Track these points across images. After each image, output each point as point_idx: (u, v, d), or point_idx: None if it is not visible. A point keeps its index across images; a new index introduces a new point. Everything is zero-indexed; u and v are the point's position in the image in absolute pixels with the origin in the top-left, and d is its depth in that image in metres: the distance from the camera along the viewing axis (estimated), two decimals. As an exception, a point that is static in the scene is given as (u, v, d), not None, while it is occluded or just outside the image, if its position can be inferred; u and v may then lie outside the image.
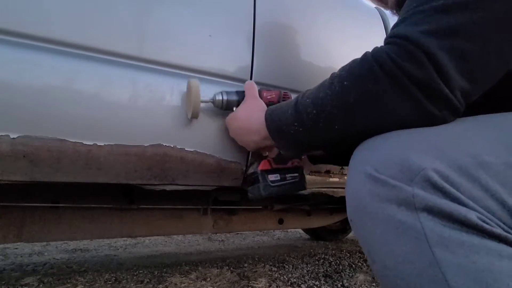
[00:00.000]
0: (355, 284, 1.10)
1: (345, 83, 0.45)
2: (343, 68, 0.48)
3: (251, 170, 0.71)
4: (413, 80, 0.40)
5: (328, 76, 0.51)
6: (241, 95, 0.71)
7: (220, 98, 0.70)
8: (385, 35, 1.10)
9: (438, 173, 0.34)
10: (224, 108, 0.71)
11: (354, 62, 0.46)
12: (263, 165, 0.69)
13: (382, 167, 0.38)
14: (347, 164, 0.46)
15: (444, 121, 0.42)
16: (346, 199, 0.44)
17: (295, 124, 0.51)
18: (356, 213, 0.41)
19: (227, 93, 0.71)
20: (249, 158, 0.79)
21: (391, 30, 0.45)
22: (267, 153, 0.73)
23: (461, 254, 0.32)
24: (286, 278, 1.11)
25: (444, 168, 0.35)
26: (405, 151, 0.38)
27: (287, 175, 0.71)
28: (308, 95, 0.51)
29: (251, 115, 0.64)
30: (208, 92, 0.72)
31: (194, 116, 0.67)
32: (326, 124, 0.47)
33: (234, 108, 0.70)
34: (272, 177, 0.69)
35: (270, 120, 0.57)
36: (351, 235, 2.30)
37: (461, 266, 0.32)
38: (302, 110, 0.50)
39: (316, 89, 0.50)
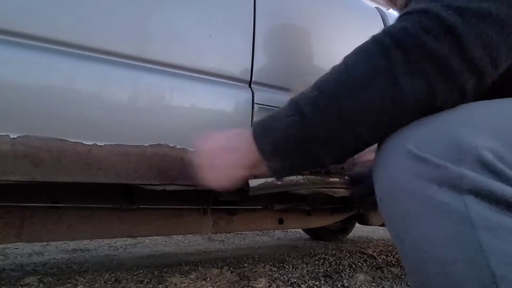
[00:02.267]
0: (355, 284, 1.10)
1: (351, 60, 0.41)
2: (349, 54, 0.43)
3: (358, 169, 0.66)
4: (431, 55, 0.36)
5: None
6: None
7: None
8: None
9: (493, 153, 0.32)
10: None
11: (363, 43, 0.42)
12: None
13: (426, 144, 0.35)
14: None
15: (453, 105, 0.39)
16: (377, 177, 0.40)
17: (291, 113, 0.42)
18: (388, 191, 0.38)
19: None
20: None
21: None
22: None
23: (510, 240, 0.30)
24: (286, 278, 1.11)
25: (499, 148, 0.32)
26: (454, 128, 0.35)
27: None
28: (307, 88, 0.44)
29: (228, 135, 0.51)
30: (208, 92, 0.72)
31: None
32: (327, 106, 0.40)
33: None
34: None
35: (258, 123, 0.47)
36: (351, 235, 2.30)
37: (508, 252, 0.30)
38: (299, 98, 0.43)
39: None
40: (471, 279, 0.31)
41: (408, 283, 1.15)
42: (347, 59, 0.42)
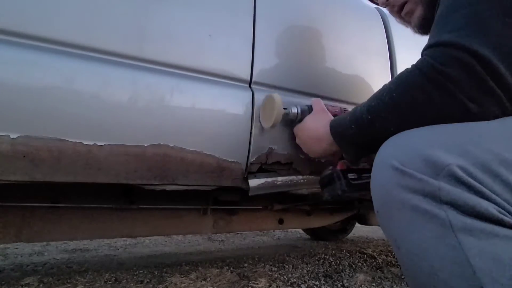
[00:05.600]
0: (355, 284, 1.10)
1: (393, 94, 0.51)
2: (391, 82, 0.53)
3: (327, 172, 0.75)
4: (457, 83, 0.43)
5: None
6: (310, 108, 0.79)
7: (295, 111, 0.79)
8: (385, 35, 1.10)
9: (462, 169, 0.38)
10: (298, 120, 0.79)
11: (400, 74, 0.52)
12: (340, 166, 0.73)
13: (408, 161, 0.41)
14: None
15: (486, 119, 0.45)
16: (372, 191, 0.47)
17: (352, 127, 0.59)
18: (383, 203, 0.45)
19: (300, 106, 0.80)
20: (249, 158, 0.79)
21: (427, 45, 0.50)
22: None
23: (483, 238, 0.35)
24: (286, 278, 1.11)
25: (468, 165, 0.38)
26: (429, 148, 0.41)
27: (362, 175, 0.74)
28: (363, 104, 0.58)
29: (319, 125, 0.71)
30: (208, 92, 0.72)
31: (274, 125, 0.75)
32: (380, 126, 0.53)
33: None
34: (350, 176, 0.73)
35: (333, 127, 0.66)
36: (351, 235, 2.30)
37: (483, 248, 0.35)
38: (358, 115, 0.57)
39: (369, 99, 0.57)
40: (454, 274, 0.36)
41: (408, 283, 1.15)
42: (391, 90, 0.53)
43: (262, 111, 0.80)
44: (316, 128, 0.71)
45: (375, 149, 0.50)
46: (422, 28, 0.68)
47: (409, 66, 0.51)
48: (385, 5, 0.73)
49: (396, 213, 0.42)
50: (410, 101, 0.49)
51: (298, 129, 0.78)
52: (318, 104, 0.78)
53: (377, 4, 0.75)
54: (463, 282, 0.35)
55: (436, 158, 0.39)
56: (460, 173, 0.38)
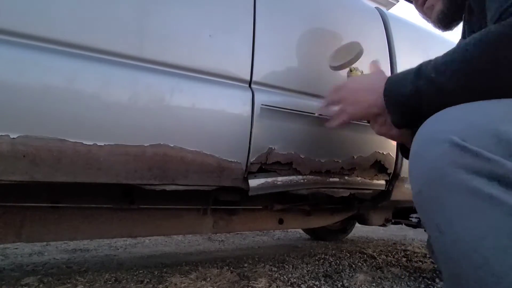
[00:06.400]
0: (355, 284, 1.10)
1: (469, 51, 0.44)
2: (467, 43, 0.46)
3: None
4: None
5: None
6: None
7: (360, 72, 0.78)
8: (385, 35, 1.10)
9: None
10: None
11: (475, 36, 0.45)
12: None
13: (473, 137, 0.36)
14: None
15: None
16: (415, 168, 0.42)
17: (409, 85, 0.51)
18: (430, 182, 0.39)
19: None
20: (249, 158, 0.79)
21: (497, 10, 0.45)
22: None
23: None
24: (286, 278, 1.11)
25: None
26: (501, 123, 0.36)
27: None
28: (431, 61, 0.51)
29: (374, 78, 0.65)
30: (208, 92, 0.72)
31: (341, 68, 0.77)
32: (450, 76, 0.45)
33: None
34: None
35: (389, 82, 0.59)
36: (351, 235, 2.30)
37: None
38: (424, 66, 0.51)
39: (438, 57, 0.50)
40: None
41: (408, 283, 1.15)
42: (470, 44, 0.46)
43: (337, 51, 0.82)
44: (371, 79, 0.66)
45: (424, 118, 0.44)
46: (441, 22, 0.69)
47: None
48: None
49: (448, 195, 0.37)
50: (490, 59, 0.42)
51: (351, 80, 0.75)
52: (375, 66, 0.75)
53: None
54: None
55: (511, 135, 0.34)
56: None
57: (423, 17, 0.75)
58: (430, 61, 0.51)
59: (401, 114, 0.56)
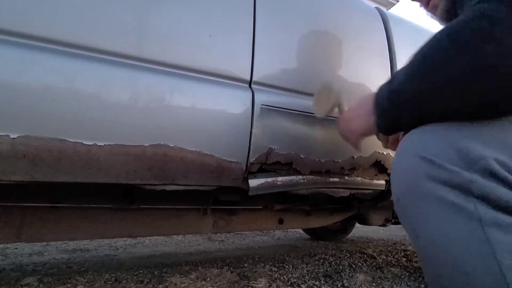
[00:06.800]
0: (355, 284, 1.10)
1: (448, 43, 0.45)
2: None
3: None
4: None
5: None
6: None
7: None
8: (385, 35, 1.10)
9: (500, 163, 0.37)
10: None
11: (451, 26, 0.46)
12: None
13: (439, 151, 0.40)
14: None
15: None
16: (394, 179, 0.46)
17: (386, 92, 0.53)
18: (405, 191, 0.44)
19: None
20: (249, 158, 0.79)
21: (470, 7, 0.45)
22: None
23: None
24: (286, 278, 1.11)
25: (506, 159, 0.37)
26: (463, 139, 0.40)
27: None
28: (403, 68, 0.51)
29: (360, 104, 0.67)
30: (208, 92, 0.72)
31: (327, 115, 0.78)
32: (415, 88, 0.47)
33: None
34: None
35: (376, 93, 0.60)
36: (351, 235, 2.30)
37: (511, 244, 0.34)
38: (394, 80, 0.52)
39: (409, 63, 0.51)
40: (479, 269, 0.35)
41: (408, 283, 1.15)
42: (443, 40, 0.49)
43: (317, 99, 0.81)
44: (359, 106, 0.67)
45: (405, 123, 0.48)
46: (446, 21, 0.68)
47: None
48: None
49: (420, 203, 0.41)
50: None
51: (342, 115, 0.74)
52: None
53: None
54: (488, 277, 0.34)
55: (470, 150, 0.38)
56: (497, 167, 0.37)
57: (431, 16, 0.75)
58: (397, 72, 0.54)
59: (385, 120, 0.57)
